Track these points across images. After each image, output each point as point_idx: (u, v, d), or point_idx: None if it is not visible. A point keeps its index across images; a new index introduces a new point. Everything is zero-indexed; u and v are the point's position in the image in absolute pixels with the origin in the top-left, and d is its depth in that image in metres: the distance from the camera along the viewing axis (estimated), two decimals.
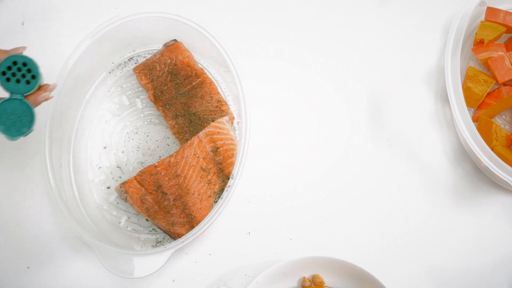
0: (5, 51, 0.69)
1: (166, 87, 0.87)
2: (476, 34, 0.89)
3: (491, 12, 0.88)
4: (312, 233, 0.85)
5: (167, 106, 0.87)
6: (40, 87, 0.71)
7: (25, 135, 0.69)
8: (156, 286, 0.83)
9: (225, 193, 0.79)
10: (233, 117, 0.87)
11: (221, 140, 0.83)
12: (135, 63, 0.92)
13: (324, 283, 0.80)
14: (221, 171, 0.83)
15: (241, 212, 0.86)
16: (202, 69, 0.88)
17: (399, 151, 0.89)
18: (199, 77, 0.87)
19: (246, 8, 0.97)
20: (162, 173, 0.81)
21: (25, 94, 0.69)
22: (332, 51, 0.94)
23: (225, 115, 0.85)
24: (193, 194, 0.81)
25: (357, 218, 0.86)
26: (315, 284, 0.80)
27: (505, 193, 0.87)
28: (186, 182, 0.81)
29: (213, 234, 0.86)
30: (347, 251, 0.84)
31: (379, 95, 0.92)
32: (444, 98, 0.91)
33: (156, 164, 0.82)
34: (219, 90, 0.90)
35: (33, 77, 0.69)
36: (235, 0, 0.97)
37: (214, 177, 0.82)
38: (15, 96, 0.68)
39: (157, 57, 0.89)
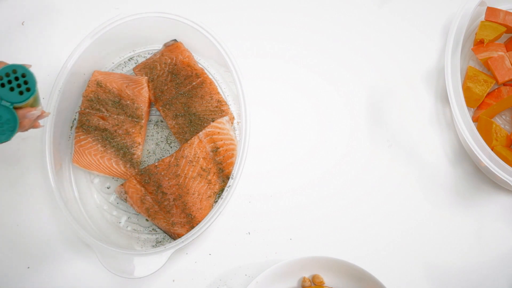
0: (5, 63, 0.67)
1: (166, 87, 0.87)
2: (476, 34, 0.89)
3: (491, 12, 0.88)
4: (312, 233, 0.85)
5: (167, 106, 0.87)
6: (32, 105, 0.68)
7: None
8: (156, 286, 0.83)
9: (225, 193, 0.79)
10: (233, 117, 0.87)
11: (221, 140, 0.83)
12: (135, 63, 0.92)
13: (324, 283, 0.80)
14: (221, 171, 0.83)
15: (241, 212, 0.86)
16: (202, 69, 0.88)
17: (399, 152, 0.89)
18: (199, 77, 0.87)
19: (246, 8, 0.97)
20: (162, 173, 0.81)
21: (15, 105, 0.66)
22: (332, 51, 0.94)
23: (225, 115, 0.85)
24: (193, 194, 0.81)
25: (357, 218, 0.86)
26: (315, 284, 0.80)
27: (505, 193, 0.87)
28: (186, 182, 0.81)
29: (213, 234, 0.86)
30: (347, 251, 0.84)
31: (379, 95, 0.92)
32: (444, 98, 0.91)
33: (156, 164, 0.82)
34: (219, 90, 0.90)
35: (28, 89, 0.65)
36: (235, 0, 0.97)
37: (214, 177, 0.82)
38: (4, 103, 0.66)
39: (158, 56, 0.89)
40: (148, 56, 0.92)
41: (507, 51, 0.88)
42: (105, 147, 0.84)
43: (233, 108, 0.89)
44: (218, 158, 0.82)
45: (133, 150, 0.84)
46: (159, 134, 0.89)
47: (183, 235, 0.79)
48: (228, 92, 0.90)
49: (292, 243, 0.85)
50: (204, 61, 0.92)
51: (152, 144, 0.89)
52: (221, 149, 0.82)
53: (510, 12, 0.88)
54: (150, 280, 0.84)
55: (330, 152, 0.89)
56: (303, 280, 0.80)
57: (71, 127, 0.89)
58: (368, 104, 0.91)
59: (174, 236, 0.82)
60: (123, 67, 0.92)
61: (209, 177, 0.82)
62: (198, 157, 0.82)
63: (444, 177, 0.87)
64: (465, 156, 0.88)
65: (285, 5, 0.96)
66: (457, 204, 0.86)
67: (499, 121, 0.88)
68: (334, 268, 0.79)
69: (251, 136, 0.82)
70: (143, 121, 0.85)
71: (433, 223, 0.86)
